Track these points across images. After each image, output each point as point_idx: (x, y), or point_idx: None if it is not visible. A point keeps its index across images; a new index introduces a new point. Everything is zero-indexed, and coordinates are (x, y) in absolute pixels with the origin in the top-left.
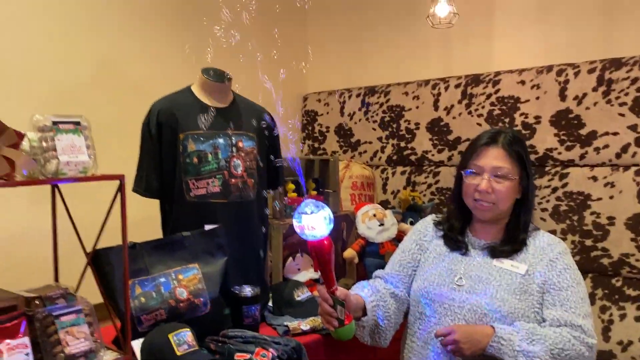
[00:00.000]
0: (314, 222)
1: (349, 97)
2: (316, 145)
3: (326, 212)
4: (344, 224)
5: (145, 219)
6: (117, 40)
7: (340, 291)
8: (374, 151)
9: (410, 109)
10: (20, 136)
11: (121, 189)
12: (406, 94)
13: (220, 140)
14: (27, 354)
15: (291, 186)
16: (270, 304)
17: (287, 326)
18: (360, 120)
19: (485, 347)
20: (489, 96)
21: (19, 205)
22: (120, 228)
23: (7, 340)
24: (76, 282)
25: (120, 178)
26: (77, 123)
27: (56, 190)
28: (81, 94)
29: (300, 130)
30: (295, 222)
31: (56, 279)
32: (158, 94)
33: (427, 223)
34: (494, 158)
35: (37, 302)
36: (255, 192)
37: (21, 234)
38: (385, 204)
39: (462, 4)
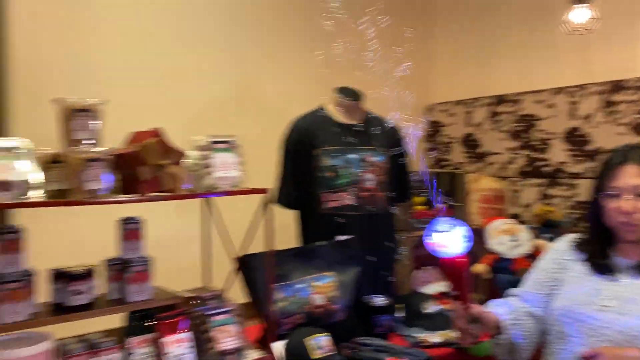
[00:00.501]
0: (446, 240)
1: (477, 107)
2: (440, 156)
3: (461, 231)
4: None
5: (279, 228)
6: (255, 64)
7: (474, 308)
8: (503, 163)
9: (543, 118)
10: (182, 154)
11: (267, 201)
12: (539, 102)
13: (353, 156)
14: (189, 348)
15: (420, 199)
16: (399, 314)
17: (415, 337)
18: (488, 130)
19: None
20: (633, 103)
21: (171, 215)
22: (263, 236)
23: (171, 335)
24: (222, 285)
25: (266, 192)
26: (231, 142)
27: (208, 201)
28: (223, 114)
29: (424, 142)
30: (427, 239)
31: (206, 281)
32: (292, 112)
33: (566, 242)
34: (632, 176)
35: (194, 302)
36: (386, 205)
37: (173, 240)
38: (515, 219)
39: (601, 7)
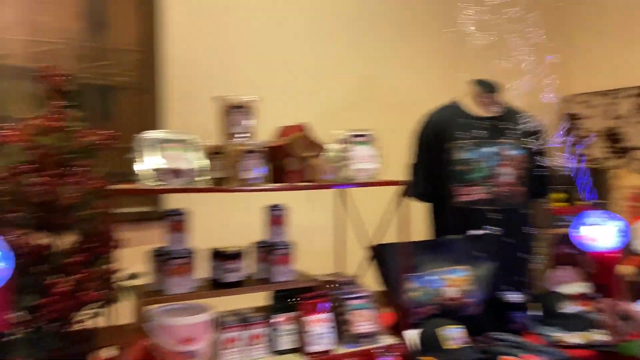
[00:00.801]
0: (597, 233)
1: (619, 98)
2: (580, 151)
3: (615, 225)
4: None
5: (411, 220)
6: (381, 59)
7: (624, 305)
8: None
9: None
10: (324, 148)
11: (402, 193)
12: None
13: (489, 149)
14: (329, 328)
15: (559, 195)
16: (534, 312)
17: (551, 337)
18: (632, 123)
19: None
20: None
21: (308, 204)
22: (396, 227)
23: (313, 315)
24: (355, 272)
25: (402, 184)
26: (368, 136)
27: (342, 192)
28: (350, 108)
29: (565, 136)
30: (574, 232)
31: (339, 268)
32: (422, 106)
33: None
34: None
35: (331, 286)
36: (522, 200)
37: (309, 227)
38: None
39: None
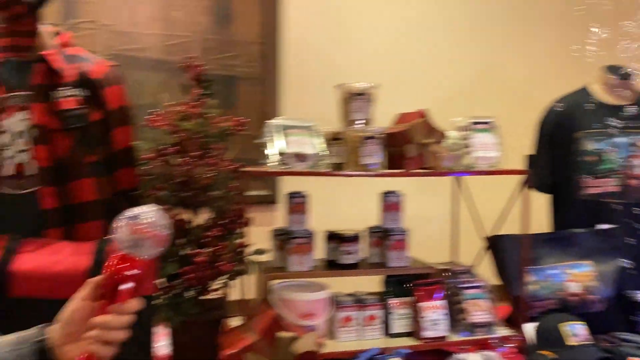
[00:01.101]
0: None
1: None
2: None
3: None
4: None
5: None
6: (498, 45)
7: None
8: None
9: None
10: (443, 135)
11: (524, 183)
12: None
13: (621, 139)
14: (443, 315)
15: None
16: None
17: None
18: None
19: None
20: None
21: (424, 192)
22: (516, 218)
23: (428, 301)
24: (470, 262)
25: (524, 173)
26: (490, 123)
27: (459, 180)
28: (466, 95)
29: None
30: None
31: (453, 257)
32: (540, 94)
33: None
34: None
35: (446, 274)
36: None
37: (424, 215)
38: None
39: None
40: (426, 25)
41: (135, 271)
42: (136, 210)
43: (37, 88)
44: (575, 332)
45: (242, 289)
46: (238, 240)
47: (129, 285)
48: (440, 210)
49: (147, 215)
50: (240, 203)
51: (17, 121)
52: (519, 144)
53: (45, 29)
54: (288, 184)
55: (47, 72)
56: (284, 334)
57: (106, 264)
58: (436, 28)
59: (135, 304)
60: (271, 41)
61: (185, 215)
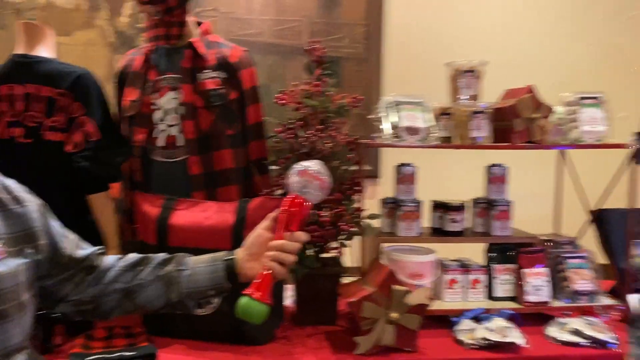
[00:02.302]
0: None
1: None
2: None
3: None
4: None
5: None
6: (623, 24)
7: None
8: None
9: None
10: (551, 109)
11: (634, 157)
12: None
13: None
14: (546, 281)
15: None
16: None
17: None
18: None
19: None
20: None
21: (530, 165)
22: (622, 192)
23: (531, 268)
24: (575, 234)
25: (632, 147)
26: (599, 98)
27: (563, 154)
28: (587, 73)
29: None
30: None
31: (556, 230)
32: None
33: None
34: None
35: (549, 244)
36: None
37: (529, 188)
38: None
39: None
40: (533, 4)
41: (302, 209)
42: (305, 163)
43: (186, 71)
44: None
45: (358, 250)
46: (355, 205)
47: (299, 220)
48: (545, 184)
49: (314, 166)
50: (357, 172)
51: (169, 99)
52: (631, 120)
53: (190, 19)
54: (391, 159)
55: (193, 57)
56: (398, 288)
57: (282, 203)
58: (541, 6)
59: (303, 234)
60: (376, 22)
61: None
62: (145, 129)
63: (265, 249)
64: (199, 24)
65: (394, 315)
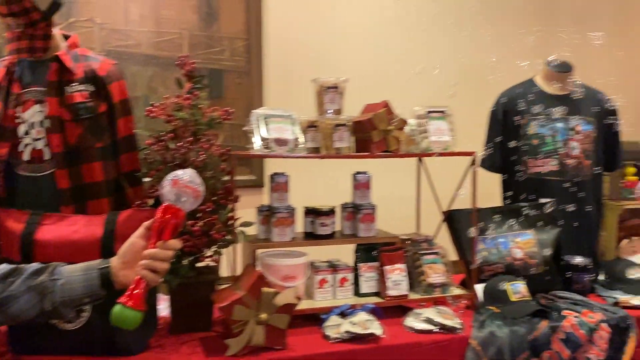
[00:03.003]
0: None
1: None
2: None
3: None
4: None
5: (490, 190)
6: (473, 44)
7: None
8: None
9: None
10: (405, 122)
11: (473, 163)
12: None
13: (559, 125)
14: (404, 276)
15: (631, 169)
16: (600, 277)
17: (616, 299)
18: None
19: None
20: None
21: (392, 173)
22: (470, 195)
23: (391, 265)
24: (433, 234)
25: (473, 155)
26: (443, 112)
27: (421, 161)
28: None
29: None
30: None
31: (418, 229)
32: (506, 84)
33: None
34: None
35: (408, 242)
36: (591, 172)
37: (392, 194)
38: None
39: None
40: (402, 22)
41: (175, 218)
42: (178, 172)
43: (52, 84)
44: (517, 289)
45: (232, 257)
46: (227, 214)
47: (172, 229)
48: (406, 188)
49: (186, 176)
50: (230, 182)
51: (34, 113)
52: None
53: (56, 31)
54: (273, 168)
55: (60, 70)
56: (267, 290)
57: (155, 212)
58: (411, 26)
59: (175, 243)
60: (256, 37)
61: None
62: (8, 142)
63: (140, 257)
64: (67, 37)
65: (263, 316)
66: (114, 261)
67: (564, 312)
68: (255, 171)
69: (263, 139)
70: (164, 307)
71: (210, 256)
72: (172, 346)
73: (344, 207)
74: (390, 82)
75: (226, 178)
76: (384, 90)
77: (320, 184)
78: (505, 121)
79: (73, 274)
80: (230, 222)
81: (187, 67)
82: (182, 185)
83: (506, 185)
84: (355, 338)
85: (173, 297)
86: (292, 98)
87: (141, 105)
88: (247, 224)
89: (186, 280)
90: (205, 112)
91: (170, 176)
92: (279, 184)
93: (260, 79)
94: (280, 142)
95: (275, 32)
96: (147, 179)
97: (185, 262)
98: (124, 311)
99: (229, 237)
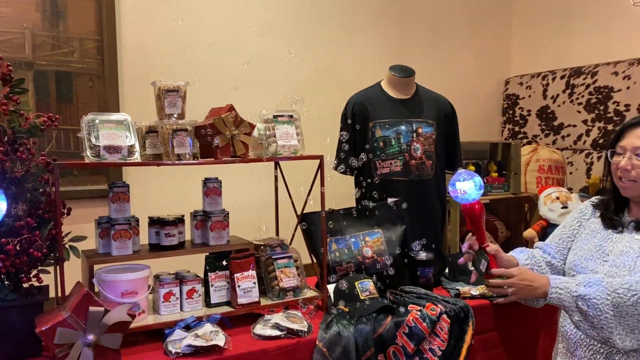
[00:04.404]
0: (465, 187)
1: (553, 79)
2: (517, 129)
3: (476, 180)
4: (527, 206)
5: (344, 192)
6: (330, 49)
7: (490, 247)
8: (577, 135)
9: (619, 90)
10: (252, 126)
11: (321, 165)
12: (616, 74)
13: (403, 127)
14: (254, 283)
15: (471, 168)
16: (446, 271)
17: (458, 290)
18: (564, 102)
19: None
20: None
21: (247, 177)
22: (329, 196)
23: (241, 272)
24: (286, 238)
25: (320, 158)
26: (291, 116)
27: (278, 166)
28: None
29: (500, 114)
30: (450, 189)
31: (277, 233)
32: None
33: (589, 203)
34: (637, 137)
35: (262, 248)
36: (433, 172)
37: (249, 198)
38: (586, 190)
39: None
40: (262, 30)
41: None
42: None
43: None
44: (365, 288)
45: (66, 275)
46: (54, 229)
47: None
48: (260, 193)
49: None
50: (56, 193)
51: None
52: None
53: None
54: (132, 177)
55: None
56: (94, 309)
57: None
58: (268, 30)
59: None
60: (109, 38)
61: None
62: None
63: None
64: None
65: (92, 337)
66: None
67: (410, 307)
68: (109, 180)
69: (92, 147)
70: None
71: (36, 276)
72: None
73: (194, 215)
74: (247, 86)
75: (50, 190)
76: (242, 95)
77: (171, 192)
78: (355, 124)
79: None
80: (56, 238)
81: (2, 70)
82: None
83: (358, 186)
84: (197, 351)
85: None
86: (151, 103)
87: None
88: (79, 238)
89: (6, 304)
90: (28, 118)
91: None
92: (117, 194)
93: (115, 82)
94: (113, 149)
95: (130, 34)
96: None
97: (8, 282)
98: None
99: (54, 254)
